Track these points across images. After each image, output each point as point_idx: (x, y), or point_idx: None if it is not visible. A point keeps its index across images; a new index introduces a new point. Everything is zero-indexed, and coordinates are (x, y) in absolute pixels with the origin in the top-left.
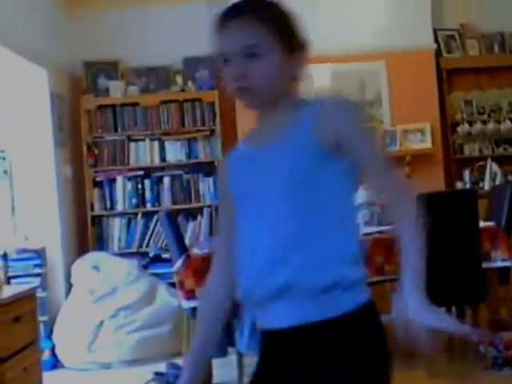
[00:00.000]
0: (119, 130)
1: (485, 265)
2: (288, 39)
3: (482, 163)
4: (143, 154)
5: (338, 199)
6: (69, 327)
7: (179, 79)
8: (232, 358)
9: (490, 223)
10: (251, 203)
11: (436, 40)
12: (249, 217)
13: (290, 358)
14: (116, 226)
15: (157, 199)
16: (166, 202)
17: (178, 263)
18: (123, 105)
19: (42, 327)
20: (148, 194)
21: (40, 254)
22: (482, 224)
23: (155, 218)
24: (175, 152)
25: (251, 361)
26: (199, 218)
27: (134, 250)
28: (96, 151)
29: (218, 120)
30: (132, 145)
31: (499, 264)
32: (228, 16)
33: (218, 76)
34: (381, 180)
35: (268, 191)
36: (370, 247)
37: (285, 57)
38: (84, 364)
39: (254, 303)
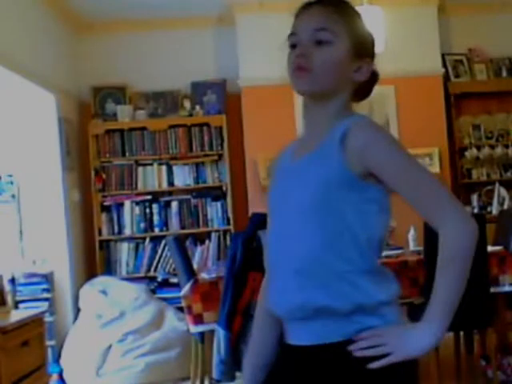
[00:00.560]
0: (127, 154)
1: (493, 289)
2: (359, 41)
3: (490, 188)
4: (151, 178)
5: (363, 226)
6: (77, 352)
7: (187, 104)
8: (240, 382)
9: (498, 247)
10: (276, 217)
11: (444, 64)
12: (274, 231)
13: (303, 374)
14: (124, 251)
15: (165, 224)
16: (174, 226)
17: (186, 288)
18: (131, 129)
19: (49, 352)
20: (156, 219)
21: (48, 278)
22: (489, 248)
23: (163, 242)
24: (183, 176)
25: None
26: (207, 242)
27: (142, 274)
28: (104, 176)
29: (225, 144)
30: (140, 169)
31: (507, 288)
32: (311, 3)
33: (226, 100)
34: (424, 210)
35: (291, 208)
36: None
37: (351, 55)
38: None
39: (278, 316)
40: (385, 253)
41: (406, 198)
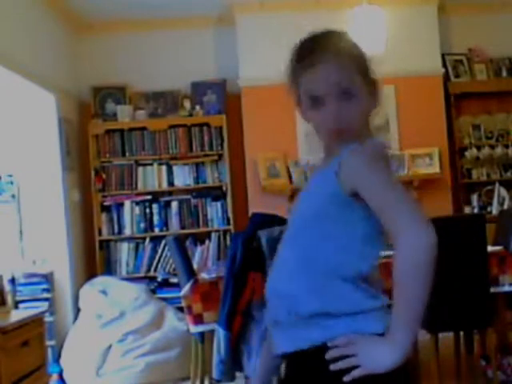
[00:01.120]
0: (127, 154)
1: (493, 289)
2: (368, 77)
3: (489, 188)
4: (151, 178)
5: (359, 241)
6: (77, 352)
7: (187, 104)
8: (240, 382)
9: (498, 247)
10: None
11: (444, 64)
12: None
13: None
14: (124, 251)
15: (165, 224)
16: (174, 226)
17: (186, 288)
18: (131, 129)
19: (49, 351)
20: (156, 219)
21: (48, 278)
22: (489, 248)
23: (163, 242)
24: (183, 176)
25: None
26: (207, 242)
27: (141, 274)
28: (104, 176)
29: (225, 144)
30: (140, 169)
31: (507, 288)
32: (313, 52)
33: (226, 100)
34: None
35: (294, 220)
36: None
37: (368, 96)
38: None
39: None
40: (385, 253)
41: (375, 212)
